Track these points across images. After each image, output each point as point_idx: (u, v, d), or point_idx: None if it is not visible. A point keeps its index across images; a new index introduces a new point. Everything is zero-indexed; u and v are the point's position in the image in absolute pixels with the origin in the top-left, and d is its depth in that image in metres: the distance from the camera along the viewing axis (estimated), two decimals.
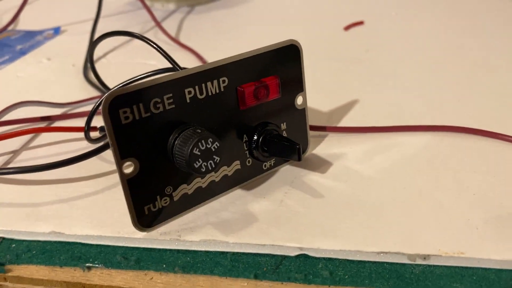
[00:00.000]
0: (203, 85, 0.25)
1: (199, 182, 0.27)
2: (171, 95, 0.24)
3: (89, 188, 0.29)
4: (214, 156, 0.24)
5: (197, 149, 0.24)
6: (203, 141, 0.24)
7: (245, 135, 0.28)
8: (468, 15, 0.56)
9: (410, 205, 0.27)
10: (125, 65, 0.48)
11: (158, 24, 0.56)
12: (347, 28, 0.54)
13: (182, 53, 0.50)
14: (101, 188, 0.29)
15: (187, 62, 0.47)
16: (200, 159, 0.24)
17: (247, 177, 0.29)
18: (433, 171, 0.29)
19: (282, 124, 0.29)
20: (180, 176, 0.26)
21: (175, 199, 0.26)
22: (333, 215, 0.26)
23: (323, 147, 0.32)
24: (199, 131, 0.24)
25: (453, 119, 0.34)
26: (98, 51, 0.50)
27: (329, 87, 0.41)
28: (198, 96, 0.25)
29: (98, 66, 0.47)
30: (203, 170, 0.24)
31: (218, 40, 0.54)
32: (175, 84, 0.24)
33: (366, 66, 0.44)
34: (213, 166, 0.24)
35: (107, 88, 0.37)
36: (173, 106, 0.24)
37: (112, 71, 0.46)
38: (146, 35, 0.56)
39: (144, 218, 0.25)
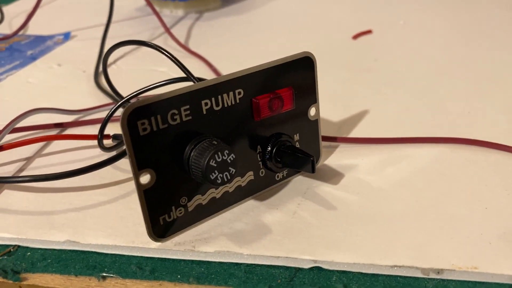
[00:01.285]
0: (220, 96, 0.25)
1: (213, 193, 0.27)
2: (188, 106, 0.24)
3: (103, 196, 0.30)
4: (229, 168, 0.25)
5: (214, 161, 0.24)
6: (219, 153, 0.24)
7: (259, 146, 0.28)
8: (478, 25, 0.56)
9: (422, 218, 0.27)
10: (135, 72, 0.48)
11: (167, 30, 0.56)
12: (356, 37, 0.54)
13: (191, 60, 0.50)
14: (115, 196, 0.30)
15: (197, 69, 0.48)
16: (216, 171, 0.24)
17: (260, 188, 0.29)
18: (444, 183, 0.30)
19: (295, 135, 0.30)
20: (195, 186, 0.26)
21: (190, 209, 0.26)
22: (346, 227, 0.27)
23: (334, 158, 0.33)
24: (216, 142, 0.24)
25: (464, 131, 0.34)
26: (110, 58, 0.50)
27: (339, 97, 0.41)
28: (214, 107, 0.25)
29: (108, 72, 0.48)
30: (219, 181, 0.24)
31: (227, 47, 0.54)
32: (193, 96, 0.24)
33: (375, 76, 0.45)
34: (229, 177, 0.25)
35: (120, 96, 0.37)
36: (190, 117, 0.25)
37: (122, 78, 0.47)
38: (155, 41, 0.57)
39: (159, 229, 0.25)
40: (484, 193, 0.28)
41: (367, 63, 0.48)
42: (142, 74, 0.48)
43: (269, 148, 0.28)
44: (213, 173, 0.24)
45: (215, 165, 0.24)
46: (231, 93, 0.26)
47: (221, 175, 0.24)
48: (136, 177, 0.24)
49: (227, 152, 0.24)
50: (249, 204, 0.29)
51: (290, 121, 0.29)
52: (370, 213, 0.27)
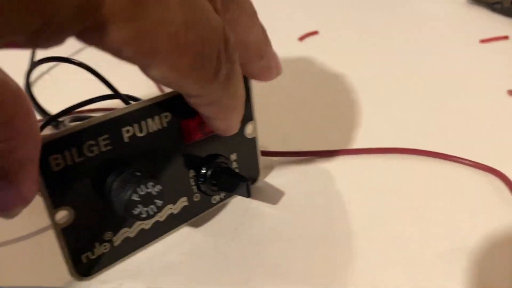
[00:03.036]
0: (143, 122, 0.24)
1: (142, 224, 0.25)
2: (107, 136, 0.22)
3: (18, 228, 0.27)
4: (155, 200, 0.23)
5: (136, 195, 0.22)
6: (142, 186, 0.22)
7: (192, 170, 0.26)
8: (429, 24, 0.55)
9: (364, 238, 0.26)
10: (71, 82, 0.45)
11: None
12: (302, 38, 0.52)
13: (131, 67, 0.47)
14: (34, 229, 0.27)
15: (136, 78, 0.45)
16: (139, 205, 0.22)
17: (196, 213, 0.27)
18: (388, 198, 0.29)
19: (231, 155, 0.28)
20: (121, 219, 0.24)
21: (116, 244, 0.24)
22: (287, 252, 0.25)
23: (275, 175, 0.31)
24: (139, 174, 0.22)
25: (409, 141, 0.33)
26: (41, 66, 0.47)
27: (282, 105, 0.40)
28: (138, 134, 0.23)
29: (40, 84, 0.45)
30: (144, 216, 0.23)
31: None
32: (111, 124, 0.22)
33: (323, 81, 0.43)
34: (155, 210, 0.23)
35: (46, 114, 0.35)
36: (110, 147, 0.23)
37: (56, 90, 0.44)
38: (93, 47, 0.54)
39: (82, 267, 0.23)
40: (427, 207, 0.28)
41: (315, 66, 0.46)
42: (78, 84, 0.45)
43: (203, 171, 0.27)
44: (136, 208, 0.22)
45: (138, 199, 0.22)
46: (156, 118, 0.24)
47: (146, 209, 0.23)
48: (51, 215, 0.21)
49: (152, 184, 0.22)
50: (184, 231, 0.27)
51: (225, 141, 0.27)
52: (313, 235, 0.26)
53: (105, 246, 0.24)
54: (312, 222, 0.27)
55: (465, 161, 0.31)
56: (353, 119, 0.37)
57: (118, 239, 0.24)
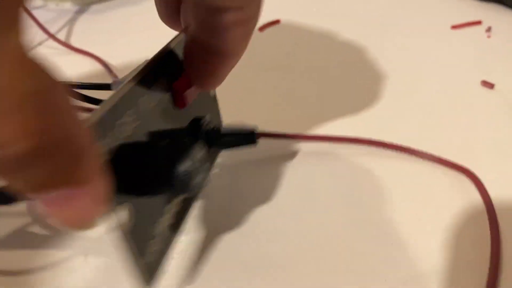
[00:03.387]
0: (152, 88, 0.20)
1: (172, 208, 0.22)
2: (133, 110, 0.19)
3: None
4: (205, 164, 0.20)
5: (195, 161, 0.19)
6: (197, 148, 0.19)
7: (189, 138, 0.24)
8: (397, 9, 0.51)
9: (320, 258, 0.23)
10: None
11: (42, 27, 0.47)
12: (262, 28, 0.48)
13: (74, 57, 0.42)
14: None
15: (83, 66, 0.40)
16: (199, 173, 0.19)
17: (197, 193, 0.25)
18: (340, 202, 0.25)
19: (206, 116, 0.26)
20: (157, 208, 0.20)
21: (160, 237, 0.20)
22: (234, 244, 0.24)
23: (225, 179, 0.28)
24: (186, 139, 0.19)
25: (371, 132, 0.30)
26: None
27: (241, 104, 0.35)
28: (150, 105, 0.20)
29: None
30: (203, 183, 0.20)
31: (124, 42, 0.46)
32: (132, 94, 0.19)
33: (286, 74, 0.39)
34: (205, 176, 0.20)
35: None
36: (138, 122, 0.19)
37: None
38: (37, 40, 0.47)
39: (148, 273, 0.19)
40: (388, 214, 0.24)
41: (277, 59, 0.42)
42: None
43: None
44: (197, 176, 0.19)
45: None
46: (156, 83, 0.21)
47: (202, 176, 0.20)
48: (115, 217, 0.17)
49: (199, 146, 0.20)
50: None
51: (201, 103, 0.25)
52: (248, 228, 0.24)
53: (154, 242, 0.20)
54: (247, 214, 0.25)
55: (433, 158, 0.28)
56: (316, 107, 0.34)
57: (162, 231, 0.20)
